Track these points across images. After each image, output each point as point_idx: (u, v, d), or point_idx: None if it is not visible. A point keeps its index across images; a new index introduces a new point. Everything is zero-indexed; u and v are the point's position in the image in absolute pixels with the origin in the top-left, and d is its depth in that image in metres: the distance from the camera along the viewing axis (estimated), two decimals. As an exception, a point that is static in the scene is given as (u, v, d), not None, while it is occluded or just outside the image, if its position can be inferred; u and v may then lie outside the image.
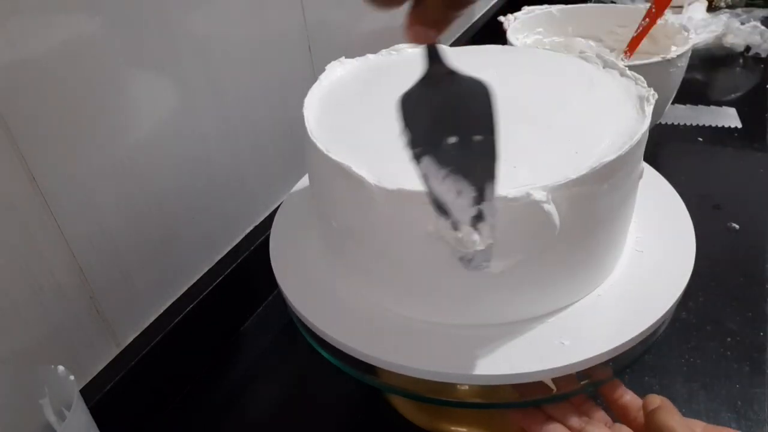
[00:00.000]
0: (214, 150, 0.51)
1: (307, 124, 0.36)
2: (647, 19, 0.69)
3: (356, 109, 0.39)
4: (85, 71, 0.38)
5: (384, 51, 0.46)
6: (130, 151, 0.43)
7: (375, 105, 0.39)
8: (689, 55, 0.66)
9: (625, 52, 0.71)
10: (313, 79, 0.42)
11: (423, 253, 0.33)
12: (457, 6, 0.24)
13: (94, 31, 0.38)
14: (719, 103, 0.86)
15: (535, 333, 0.34)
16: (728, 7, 1.09)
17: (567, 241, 0.33)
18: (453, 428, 0.44)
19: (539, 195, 0.30)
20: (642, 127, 0.34)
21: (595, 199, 0.32)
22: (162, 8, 0.43)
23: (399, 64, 0.44)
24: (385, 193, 0.31)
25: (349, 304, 0.38)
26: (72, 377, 0.32)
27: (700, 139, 0.79)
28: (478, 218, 0.26)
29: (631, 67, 0.41)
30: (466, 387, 0.40)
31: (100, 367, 0.44)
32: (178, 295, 0.50)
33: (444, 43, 0.37)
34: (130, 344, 0.46)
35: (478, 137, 0.25)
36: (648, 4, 0.70)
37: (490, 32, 0.98)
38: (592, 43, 0.77)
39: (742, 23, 1.02)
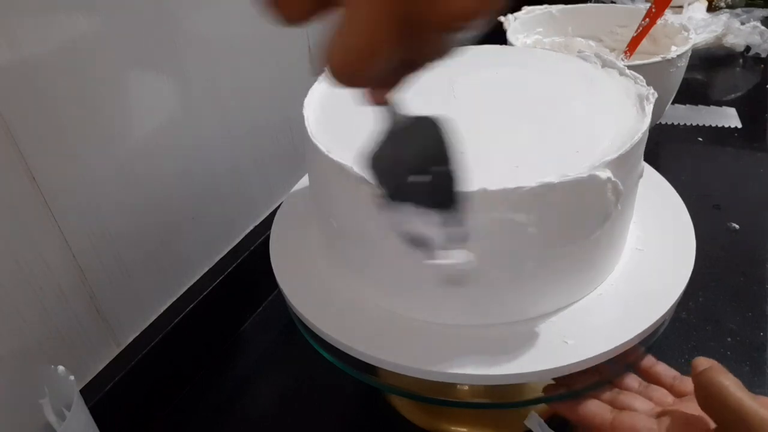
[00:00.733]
0: (214, 149, 0.51)
1: (307, 124, 0.36)
2: (647, 19, 0.69)
3: (356, 109, 0.39)
4: (86, 71, 0.38)
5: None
6: (130, 150, 0.43)
7: (375, 105, 0.39)
8: (689, 55, 0.66)
9: (625, 52, 0.71)
10: (313, 79, 0.42)
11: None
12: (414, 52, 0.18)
13: (95, 32, 0.38)
14: (719, 103, 0.86)
15: (538, 332, 0.34)
16: (728, 7, 1.09)
17: (568, 241, 0.33)
18: (453, 428, 0.44)
19: (604, 174, 0.30)
20: (642, 126, 0.34)
21: (596, 198, 0.32)
22: (162, 9, 0.43)
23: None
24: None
25: (349, 304, 0.37)
26: (72, 377, 0.32)
27: (700, 139, 0.79)
28: (452, 241, 0.26)
29: (631, 67, 0.41)
30: (466, 387, 0.40)
31: (100, 367, 0.44)
32: (178, 295, 0.50)
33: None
34: (130, 344, 0.46)
35: (437, 168, 0.25)
36: (648, 4, 0.70)
37: (490, 32, 0.98)
38: (592, 43, 0.77)
39: (742, 23, 1.02)
